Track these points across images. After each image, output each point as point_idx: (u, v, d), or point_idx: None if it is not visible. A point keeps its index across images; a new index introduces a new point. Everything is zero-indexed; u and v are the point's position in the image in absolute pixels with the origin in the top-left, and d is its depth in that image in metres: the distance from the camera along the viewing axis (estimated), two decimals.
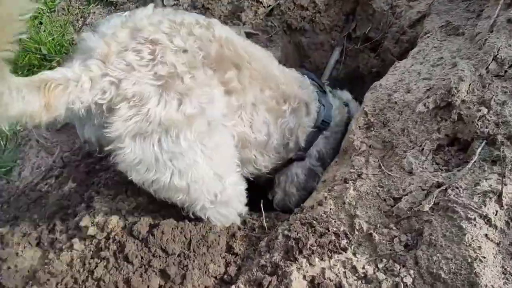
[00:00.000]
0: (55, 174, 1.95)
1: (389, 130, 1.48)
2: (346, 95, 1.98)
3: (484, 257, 1.12)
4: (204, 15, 1.72)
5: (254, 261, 1.43)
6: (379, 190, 1.40)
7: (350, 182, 1.45)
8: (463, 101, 1.32)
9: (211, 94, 1.31)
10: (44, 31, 2.85)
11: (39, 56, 2.70)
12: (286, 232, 1.43)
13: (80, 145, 2.07)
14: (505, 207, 1.17)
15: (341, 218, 1.40)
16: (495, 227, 1.16)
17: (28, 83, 1.07)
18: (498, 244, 1.16)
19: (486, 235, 1.16)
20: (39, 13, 3.08)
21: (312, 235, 1.39)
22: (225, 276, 1.45)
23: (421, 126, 1.40)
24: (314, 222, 1.42)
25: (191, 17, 1.44)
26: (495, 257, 1.14)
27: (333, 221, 1.41)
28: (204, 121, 1.28)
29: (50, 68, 2.65)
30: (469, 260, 1.13)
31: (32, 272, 1.53)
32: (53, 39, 2.75)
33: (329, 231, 1.39)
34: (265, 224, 1.58)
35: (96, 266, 1.45)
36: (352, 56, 2.16)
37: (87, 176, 1.92)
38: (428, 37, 1.64)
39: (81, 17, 2.97)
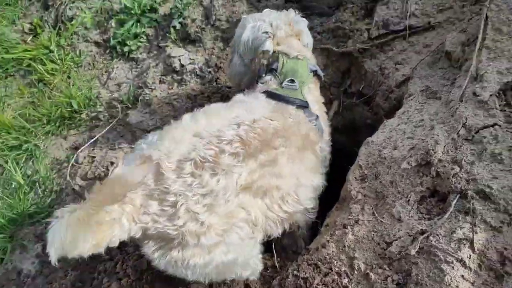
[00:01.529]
0: None
1: (380, 182, 1.75)
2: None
3: None
4: None
5: None
6: (373, 234, 1.65)
7: (349, 227, 1.70)
8: (439, 160, 1.58)
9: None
10: (73, 85, 3.18)
11: (69, 109, 3.02)
12: (295, 272, 1.68)
13: None
14: (477, 251, 1.41)
15: (342, 259, 1.65)
16: (470, 269, 1.41)
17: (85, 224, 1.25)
18: (472, 284, 1.39)
19: (462, 275, 1.40)
20: (67, 67, 3.43)
21: (318, 275, 1.64)
22: None
23: (407, 179, 1.67)
24: (319, 263, 1.67)
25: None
26: None
27: (335, 262, 1.65)
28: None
29: (80, 120, 2.98)
30: None
31: None
32: (81, 93, 3.07)
33: (332, 270, 1.63)
34: (276, 264, 1.83)
35: None
36: (348, 109, 2.46)
37: None
38: (411, 99, 1.93)
39: (105, 72, 3.31)
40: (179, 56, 2.85)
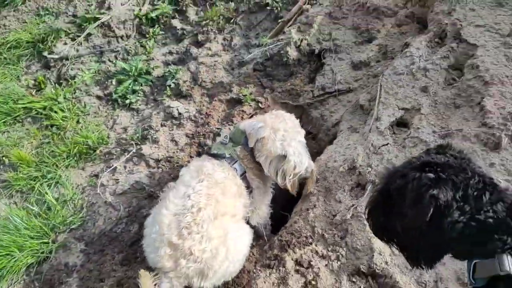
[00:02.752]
0: (124, 221, 3.03)
1: (327, 181, 2.84)
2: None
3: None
4: None
5: (264, 256, 2.62)
6: (325, 212, 2.71)
7: (310, 210, 2.75)
8: (360, 165, 2.73)
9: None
10: (85, 128, 4.00)
11: (86, 147, 3.82)
12: (279, 237, 2.66)
13: (135, 205, 3.18)
14: None
15: (307, 228, 2.67)
16: None
17: None
18: None
19: None
20: (75, 115, 4.24)
21: (293, 238, 2.63)
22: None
23: (342, 178, 2.79)
24: (294, 231, 2.67)
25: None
26: None
27: (303, 230, 2.66)
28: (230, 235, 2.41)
29: (95, 155, 3.77)
30: (369, 238, 2.44)
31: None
32: (94, 134, 3.90)
33: (301, 235, 2.63)
34: (265, 238, 2.81)
35: None
36: None
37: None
38: (342, 133, 3.12)
39: (111, 118, 4.17)
40: (176, 106, 3.84)
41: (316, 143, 3.50)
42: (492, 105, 2.48)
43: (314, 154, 3.35)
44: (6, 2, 5.87)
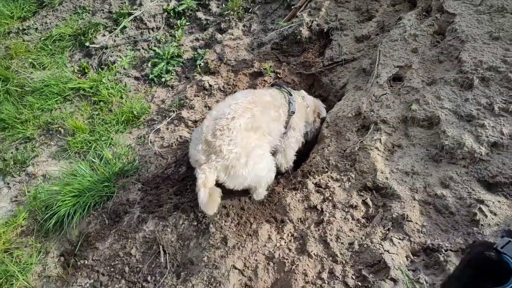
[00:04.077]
0: (172, 166, 3.70)
1: (337, 126, 3.52)
2: (303, 93, 3.69)
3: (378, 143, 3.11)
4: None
5: (289, 182, 3.29)
6: (337, 148, 3.37)
7: (325, 148, 3.42)
8: (364, 111, 3.40)
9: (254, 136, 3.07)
10: (129, 102, 4.70)
11: (131, 115, 4.51)
12: (302, 169, 3.32)
13: (180, 154, 3.84)
14: (383, 143, 3.20)
15: (323, 162, 3.33)
16: (380, 150, 3.18)
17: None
18: (381, 157, 3.16)
19: (377, 150, 3.17)
20: (119, 92, 4.94)
21: (313, 168, 3.30)
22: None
23: (350, 122, 3.45)
24: (313, 164, 3.33)
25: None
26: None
27: (320, 163, 3.33)
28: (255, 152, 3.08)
29: (139, 122, 4.46)
30: (373, 162, 3.10)
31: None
32: (137, 105, 4.59)
33: (319, 166, 3.30)
34: (290, 171, 3.48)
35: None
36: None
37: (190, 167, 3.69)
38: (348, 91, 3.80)
39: (149, 94, 4.86)
40: (207, 80, 4.54)
41: (327, 103, 4.18)
42: (466, 57, 3.15)
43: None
44: (44, 4, 6.66)
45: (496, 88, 2.92)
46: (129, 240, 3.21)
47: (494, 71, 2.98)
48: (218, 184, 2.90)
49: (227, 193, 3.05)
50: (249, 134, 2.96)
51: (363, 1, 4.41)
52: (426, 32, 3.56)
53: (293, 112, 3.35)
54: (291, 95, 3.43)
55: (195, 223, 3.09)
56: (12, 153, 4.53)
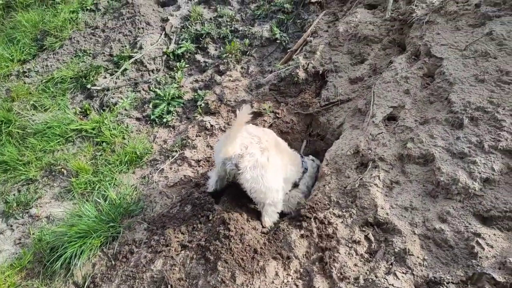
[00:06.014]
0: (178, 205, 3.79)
1: (337, 164, 3.68)
2: (312, 157, 4.18)
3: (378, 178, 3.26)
4: None
5: (294, 219, 3.39)
6: (338, 185, 3.51)
7: (326, 185, 3.56)
8: (362, 149, 3.58)
9: (275, 156, 3.39)
10: (131, 142, 4.82)
11: (134, 156, 4.63)
12: (306, 205, 3.45)
13: (185, 193, 3.94)
14: (381, 179, 3.36)
15: (325, 198, 3.46)
16: (380, 186, 3.33)
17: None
18: (381, 189, 3.31)
19: (376, 187, 3.32)
20: (121, 133, 5.07)
21: (315, 205, 3.42)
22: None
23: (349, 160, 3.62)
24: (315, 201, 3.46)
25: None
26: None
27: (322, 200, 3.46)
28: (273, 166, 3.34)
29: (142, 163, 4.57)
30: (373, 198, 3.25)
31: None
32: (140, 146, 4.72)
33: (320, 203, 3.43)
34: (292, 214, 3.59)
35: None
36: (312, 144, 4.47)
37: (195, 206, 3.78)
38: (345, 131, 3.99)
39: (151, 135, 5.00)
40: (208, 120, 4.71)
41: (325, 142, 4.36)
42: (455, 98, 3.39)
43: (324, 150, 4.21)
44: (44, 47, 6.88)
45: (484, 127, 3.13)
46: (137, 280, 3.24)
47: (482, 111, 3.20)
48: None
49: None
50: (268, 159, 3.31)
51: (355, 45, 4.70)
52: (416, 74, 3.82)
53: (304, 172, 3.91)
54: (303, 157, 3.92)
55: (203, 261, 3.15)
56: (14, 195, 4.57)
